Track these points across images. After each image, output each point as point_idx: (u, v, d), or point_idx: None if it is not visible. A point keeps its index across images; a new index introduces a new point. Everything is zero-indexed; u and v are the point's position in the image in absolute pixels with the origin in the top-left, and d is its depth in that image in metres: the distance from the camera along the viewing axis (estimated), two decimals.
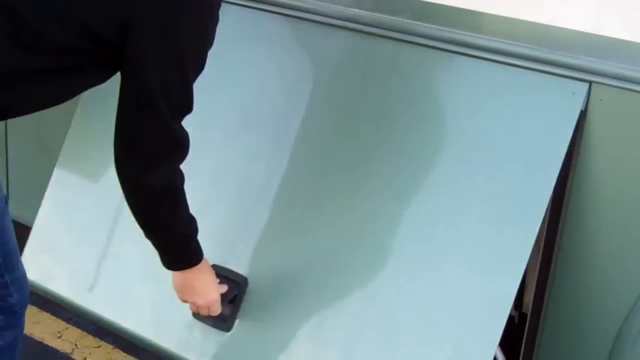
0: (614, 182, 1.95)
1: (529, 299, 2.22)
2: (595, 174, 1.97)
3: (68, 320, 3.19)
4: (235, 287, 2.18)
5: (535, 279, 2.12)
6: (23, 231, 3.04)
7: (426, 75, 2.10)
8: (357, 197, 2.12)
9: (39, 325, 3.14)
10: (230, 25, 2.30)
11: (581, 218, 2.00)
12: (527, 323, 2.19)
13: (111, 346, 3.07)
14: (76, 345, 3.06)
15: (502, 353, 2.35)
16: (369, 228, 2.08)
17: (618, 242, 1.98)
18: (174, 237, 1.95)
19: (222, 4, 1.87)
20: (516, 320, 2.38)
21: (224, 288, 2.13)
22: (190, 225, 1.96)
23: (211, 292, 2.07)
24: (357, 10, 2.18)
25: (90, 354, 3.03)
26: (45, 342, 3.05)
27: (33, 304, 3.20)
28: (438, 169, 2.02)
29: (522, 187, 1.92)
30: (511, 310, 1.92)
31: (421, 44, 2.10)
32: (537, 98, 1.96)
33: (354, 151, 2.14)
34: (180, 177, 1.88)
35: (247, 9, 2.37)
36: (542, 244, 2.08)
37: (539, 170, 1.92)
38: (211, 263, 2.11)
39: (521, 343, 2.23)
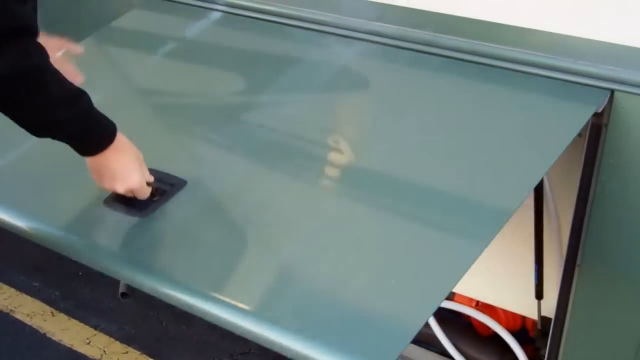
0: (637, 187, 1.98)
1: (550, 303, 2.25)
2: (618, 178, 2.00)
3: (96, 327, 3.25)
4: (168, 187, 1.85)
5: (559, 283, 2.15)
6: None
7: (450, 85, 2.13)
8: None
9: (68, 332, 3.20)
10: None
11: (604, 223, 2.04)
12: (552, 327, 2.22)
13: (138, 352, 3.12)
14: (104, 351, 3.12)
15: (525, 357, 2.39)
16: None
17: None
18: (62, 122, 1.62)
19: None
20: (539, 325, 2.41)
21: (151, 177, 1.78)
22: (78, 102, 1.63)
23: (133, 175, 1.72)
24: (380, 24, 2.22)
25: (118, 359, 3.08)
26: (75, 348, 3.10)
27: (62, 311, 3.27)
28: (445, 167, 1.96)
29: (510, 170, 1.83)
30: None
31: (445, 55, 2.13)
32: (553, 100, 1.99)
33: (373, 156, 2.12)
34: (37, 56, 1.57)
35: (276, 24, 2.41)
36: (565, 249, 2.11)
37: (534, 154, 1.88)
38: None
39: (545, 348, 2.26)
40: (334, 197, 1.87)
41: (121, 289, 3.19)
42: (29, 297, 3.41)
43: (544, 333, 2.29)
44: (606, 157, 2.00)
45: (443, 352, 2.69)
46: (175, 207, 1.81)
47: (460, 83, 2.12)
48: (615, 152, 1.99)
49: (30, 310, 3.32)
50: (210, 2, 2.54)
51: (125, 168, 1.71)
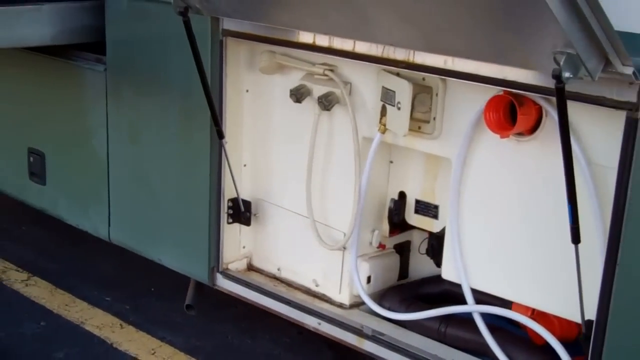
0: None
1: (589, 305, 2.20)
2: None
3: (162, 338, 3.32)
4: None
5: (600, 284, 2.11)
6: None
7: None
8: None
9: (134, 343, 3.28)
10: None
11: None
12: (593, 328, 2.17)
13: None
14: None
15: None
16: None
17: None
18: None
19: None
20: (583, 329, 2.33)
21: None
22: None
23: None
24: None
25: None
26: (139, 358, 3.18)
27: (131, 324, 3.37)
28: None
29: None
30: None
31: None
32: None
33: None
34: None
35: None
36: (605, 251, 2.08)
37: None
38: None
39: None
40: None
41: (186, 301, 3.29)
42: (100, 310, 3.52)
43: (587, 337, 2.23)
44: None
45: None
46: None
47: None
48: None
49: (100, 322, 3.42)
50: None
51: None
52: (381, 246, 2.95)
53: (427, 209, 2.82)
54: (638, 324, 2.08)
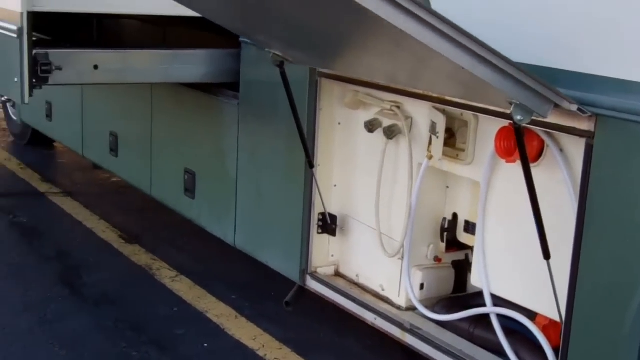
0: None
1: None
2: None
3: (265, 329, 3.95)
4: None
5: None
6: None
7: None
8: None
9: (241, 330, 3.94)
10: None
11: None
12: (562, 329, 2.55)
13: (290, 349, 3.77)
14: (263, 345, 3.80)
15: None
16: None
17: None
18: None
19: None
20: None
21: None
22: None
23: None
24: None
25: (272, 352, 3.75)
26: (242, 341, 3.83)
27: (244, 316, 4.05)
28: None
29: None
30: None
31: None
32: None
33: None
34: None
35: None
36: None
37: None
38: None
39: None
40: None
41: (286, 299, 3.90)
42: (223, 304, 4.22)
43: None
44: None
45: None
46: None
47: None
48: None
49: (220, 313, 4.12)
50: None
51: None
52: (437, 260, 3.42)
53: (474, 228, 3.27)
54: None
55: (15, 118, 7.19)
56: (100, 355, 3.68)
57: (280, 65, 3.32)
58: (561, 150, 2.70)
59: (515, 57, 2.47)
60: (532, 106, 2.36)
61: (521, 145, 2.49)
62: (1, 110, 7.85)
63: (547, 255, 2.64)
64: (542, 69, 2.54)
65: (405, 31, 2.12)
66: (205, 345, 3.80)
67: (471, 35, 2.21)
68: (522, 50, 2.61)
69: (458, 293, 3.47)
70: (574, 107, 2.39)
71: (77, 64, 3.88)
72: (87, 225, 5.33)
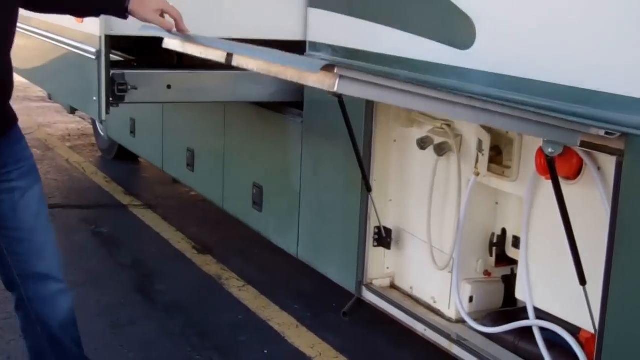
0: None
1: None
2: None
3: (324, 338, 4.11)
4: None
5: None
6: None
7: None
8: None
9: (301, 338, 4.11)
10: None
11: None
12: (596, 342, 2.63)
13: (346, 359, 3.91)
14: (320, 353, 3.95)
15: None
16: None
17: None
18: None
19: None
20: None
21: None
22: None
23: None
24: None
25: None
26: (301, 349, 3.99)
27: (305, 326, 4.23)
28: None
29: None
30: None
31: None
32: None
33: None
34: None
35: None
36: None
37: None
38: None
39: None
40: None
41: (344, 309, 4.05)
42: (285, 314, 4.39)
43: None
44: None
45: None
46: None
47: None
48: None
49: (282, 322, 4.30)
50: None
51: None
52: (487, 273, 3.52)
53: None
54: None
55: (102, 134, 7.56)
56: (167, 358, 3.90)
57: (337, 95, 3.47)
58: (599, 168, 2.78)
59: (547, 78, 2.59)
60: (560, 139, 2.49)
61: (554, 175, 2.63)
62: (91, 127, 8.27)
63: (582, 281, 2.73)
64: (574, 89, 2.63)
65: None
66: (265, 351, 3.98)
67: (485, 97, 2.42)
68: (554, 72, 2.71)
69: (508, 307, 3.56)
70: (602, 132, 2.49)
71: (151, 83, 4.12)
72: (164, 236, 5.60)
